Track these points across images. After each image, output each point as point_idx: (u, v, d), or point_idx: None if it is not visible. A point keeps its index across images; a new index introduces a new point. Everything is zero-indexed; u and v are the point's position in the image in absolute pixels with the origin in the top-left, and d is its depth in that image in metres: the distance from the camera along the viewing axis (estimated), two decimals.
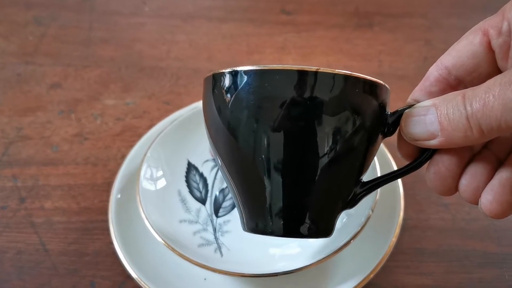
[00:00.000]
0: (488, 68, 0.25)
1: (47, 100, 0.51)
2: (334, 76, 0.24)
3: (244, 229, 0.28)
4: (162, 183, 0.39)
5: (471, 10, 0.64)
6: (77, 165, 0.45)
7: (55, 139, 0.47)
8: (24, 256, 0.39)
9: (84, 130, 0.48)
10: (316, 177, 0.26)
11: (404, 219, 0.38)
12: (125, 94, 0.52)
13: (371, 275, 0.35)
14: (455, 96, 0.23)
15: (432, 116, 0.23)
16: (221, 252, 0.35)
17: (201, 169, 0.41)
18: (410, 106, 0.25)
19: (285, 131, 0.25)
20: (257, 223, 0.27)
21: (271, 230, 0.27)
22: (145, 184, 0.38)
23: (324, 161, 0.25)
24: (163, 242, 0.34)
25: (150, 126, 0.46)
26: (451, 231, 0.40)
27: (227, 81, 0.25)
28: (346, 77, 0.25)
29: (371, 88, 0.26)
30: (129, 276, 0.36)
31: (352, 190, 0.28)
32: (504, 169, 0.24)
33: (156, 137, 0.40)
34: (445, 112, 0.23)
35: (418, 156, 0.26)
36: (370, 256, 0.36)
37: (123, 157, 0.45)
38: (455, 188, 0.25)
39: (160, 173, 0.39)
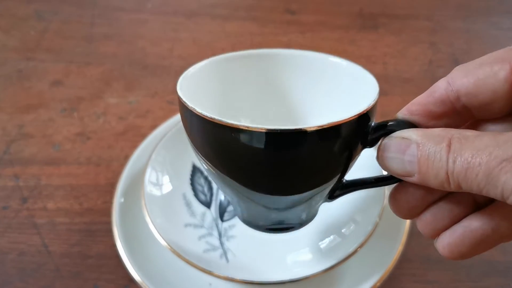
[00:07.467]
0: (505, 107, 0.22)
1: (49, 97, 0.50)
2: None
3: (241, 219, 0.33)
4: (167, 186, 0.39)
5: (476, 13, 0.63)
6: (79, 165, 0.45)
7: (57, 137, 0.47)
8: (26, 258, 0.38)
9: (86, 129, 0.48)
10: (297, 196, 0.27)
11: (411, 226, 0.38)
12: (128, 92, 0.51)
13: (378, 283, 0.35)
14: (441, 140, 0.21)
15: (412, 154, 0.21)
16: (226, 258, 0.35)
17: (206, 172, 0.41)
18: (392, 131, 0.24)
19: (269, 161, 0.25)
20: (251, 223, 0.32)
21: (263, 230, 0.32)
22: (150, 187, 0.37)
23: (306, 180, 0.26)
24: (168, 247, 0.33)
25: (153, 126, 0.46)
26: None
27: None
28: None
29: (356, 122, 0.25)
30: (132, 280, 0.36)
31: (334, 190, 0.29)
32: (477, 218, 0.22)
33: (160, 140, 0.40)
34: (426, 154, 0.21)
35: None
36: (377, 263, 0.36)
37: (126, 157, 0.44)
38: (415, 215, 0.24)
39: (165, 176, 0.39)
